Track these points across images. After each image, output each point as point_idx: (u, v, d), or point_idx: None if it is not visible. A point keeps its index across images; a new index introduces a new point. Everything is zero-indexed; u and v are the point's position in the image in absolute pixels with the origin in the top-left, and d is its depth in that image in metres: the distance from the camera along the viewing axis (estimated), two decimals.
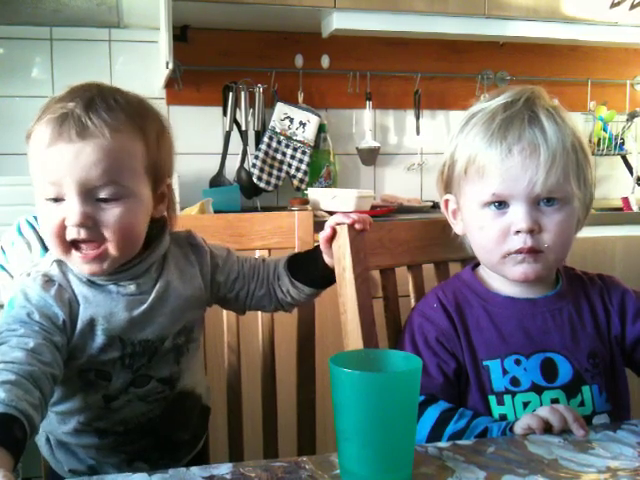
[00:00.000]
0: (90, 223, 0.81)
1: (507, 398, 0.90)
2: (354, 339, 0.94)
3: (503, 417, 0.90)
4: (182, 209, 2.00)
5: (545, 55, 2.72)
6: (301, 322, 1.18)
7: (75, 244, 0.83)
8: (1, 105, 2.27)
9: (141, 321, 0.88)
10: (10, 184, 1.84)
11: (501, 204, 0.90)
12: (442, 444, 0.75)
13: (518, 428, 0.79)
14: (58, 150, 0.81)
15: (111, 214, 0.82)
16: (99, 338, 0.86)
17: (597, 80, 2.79)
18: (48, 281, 0.86)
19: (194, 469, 0.68)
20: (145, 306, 0.88)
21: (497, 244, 0.91)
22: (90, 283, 0.87)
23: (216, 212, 1.97)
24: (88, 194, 0.81)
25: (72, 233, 0.82)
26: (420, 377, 0.65)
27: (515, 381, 0.90)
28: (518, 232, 0.89)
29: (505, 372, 0.91)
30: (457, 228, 1.01)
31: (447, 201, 1.00)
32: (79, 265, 0.85)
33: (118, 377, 0.88)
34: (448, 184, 0.99)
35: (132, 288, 0.88)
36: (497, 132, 0.90)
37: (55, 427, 0.94)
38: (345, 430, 0.64)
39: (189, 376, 0.96)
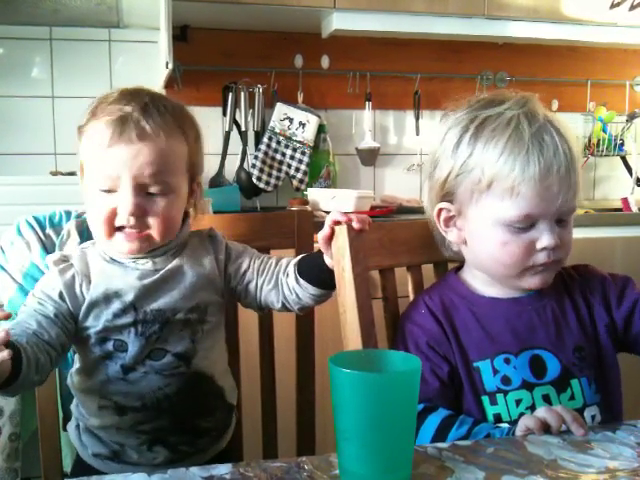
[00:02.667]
0: (140, 213, 0.93)
1: (499, 397, 0.90)
2: (353, 339, 0.94)
3: (497, 417, 0.90)
4: None
5: (545, 55, 2.72)
6: (300, 322, 1.18)
7: (120, 229, 0.94)
8: (1, 105, 2.26)
9: (151, 290, 0.96)
10: (10, 184, 1.83)
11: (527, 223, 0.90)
12: (441, 444, 0.75)
13: (518, 431, 0.79)
14: (118, 150, 0.91)
15: (158, 206, 0.94)
16: (114, 305, 0.95)
17: (597, 81, 2.80)
18: (63, 259, 0.98)
19: (193, 469, 0.68)
20: (156, 277, 0.96)
21: (521, 259, 0.91)
22: (111, 260, 0.98)
23: (216, 212, 1.96)
24: (140, 188, 0.93)
25: (122, 220, 0.93)
26: (419, 377, 0.65)
27: (506, 380, 0.91)
28: (544, 249, 0.90)
29: (496, 371, 0.91)
30: (451, 235, 0.99)
31: (441, 209, 0.97)
32: (121, 244, 0.95)
33: (133, 345, 0.95)
34: (450, 192, 0.95)
35: (148, 265, 0.97)
36: (532, 149, 0.87)
37: (83, 411, 1.00)
38: (344, 430, 0.64)
39: (205, 359, 0.99)
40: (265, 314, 1.14)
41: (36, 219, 1.15)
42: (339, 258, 0.95)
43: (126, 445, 0.98)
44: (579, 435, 0.76)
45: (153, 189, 0.93)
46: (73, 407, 1.04)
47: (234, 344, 1.15)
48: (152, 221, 0.94)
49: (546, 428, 0.77)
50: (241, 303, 1.09)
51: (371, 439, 0.63)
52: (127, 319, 0.94)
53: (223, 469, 0.68)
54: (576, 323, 0.95)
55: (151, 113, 0.94)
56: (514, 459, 0.70)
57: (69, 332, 0.94)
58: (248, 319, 1.16)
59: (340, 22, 2.24)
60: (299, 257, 1.04)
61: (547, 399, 0.90)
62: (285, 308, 1.04)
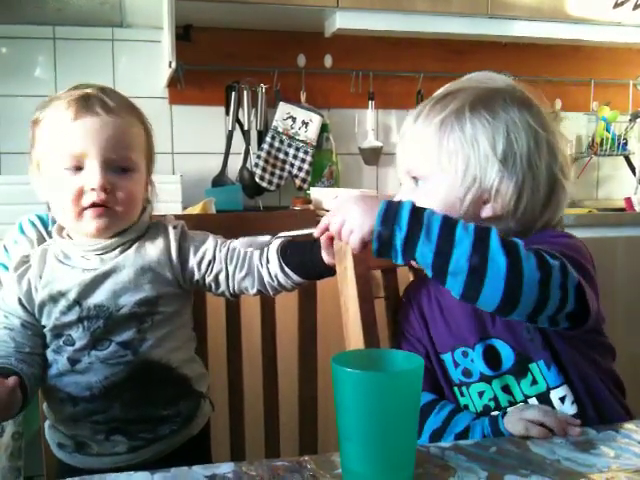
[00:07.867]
0: (109, 188, 0.93)
1: (464, 390, 0.91)
2: (355, 339, 0.94)
3: (466, 408, 0.91)
4: (184, 208, 2.00)
5: (548, 55, 2.72)
6: (303, 321, 1.18)
7: (88, 207, 0.93)
8: (4, 104, 2.28)
9: (91, 285, 0.95)
10: (13, 183, 1.84)
11: None
12: (444, 444, 0.75)
13: (515, 431, 0.78)
14: (84, 122, 0.92)
15: (125, 182, 0.95)
16: (61, 303, 0.95)
17: (600, 80, 2.79)
18: (23, 261, 0.99)
19: (196, 468, 0.68)
20: (97, 272, 0.96)
21: None
22: (63, 259, 0.98)
23: (218, 212, 1.97)
24: (108, 163, 0.93)
25: (91, 197, 0.93)
26: (422, 376, 0.65)
27: (467, 372, 0.91)
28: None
29: (456, 364, 0.92)
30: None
31: None
32: (89, 223, 0.94)
33: (80, 340, 0.95)
34: None
35: (95, 263, 0.97)
36: None
37: (47, 408, 1.02)
38: (347, 429, 0.64)
39: (156, 347, 0.97)
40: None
41: (39, 218, 1.15)
42: (341, 257, 0.95)
43: (85, 437, 0.98)
44: (574, 434, 0.75)
45: (120, 164, 0.94)
46: (44, 406, 1.04)
47: (236, 342, 1.15)
48: (119, 197, 0.94)
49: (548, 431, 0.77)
50: (212, 293, 1.05)
51: (373, 438, 0.63)
52: (72, 316, 0.95)
53: (226, 468, 0.68)
54: None
55: (110, 94, 0.96)
56: (517, 458, 0.70)
57: (42, 334, 0.97)
58: (250, 317, 1.16)
59: (343, 21, 2.24)
60: (279, 243, 0.99)
61: (507, 389, 0.88)
62: (260, 293, 1.02)
